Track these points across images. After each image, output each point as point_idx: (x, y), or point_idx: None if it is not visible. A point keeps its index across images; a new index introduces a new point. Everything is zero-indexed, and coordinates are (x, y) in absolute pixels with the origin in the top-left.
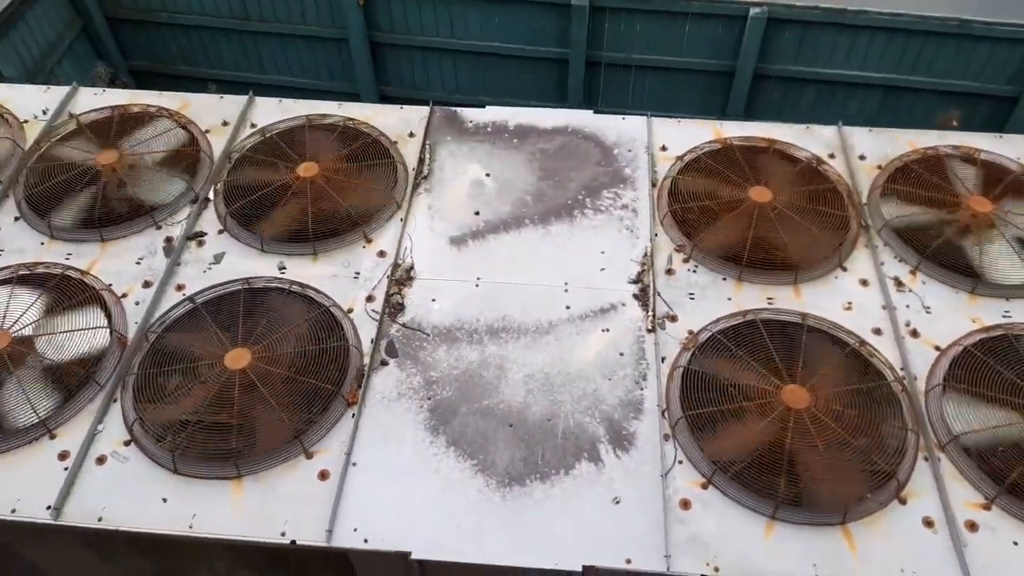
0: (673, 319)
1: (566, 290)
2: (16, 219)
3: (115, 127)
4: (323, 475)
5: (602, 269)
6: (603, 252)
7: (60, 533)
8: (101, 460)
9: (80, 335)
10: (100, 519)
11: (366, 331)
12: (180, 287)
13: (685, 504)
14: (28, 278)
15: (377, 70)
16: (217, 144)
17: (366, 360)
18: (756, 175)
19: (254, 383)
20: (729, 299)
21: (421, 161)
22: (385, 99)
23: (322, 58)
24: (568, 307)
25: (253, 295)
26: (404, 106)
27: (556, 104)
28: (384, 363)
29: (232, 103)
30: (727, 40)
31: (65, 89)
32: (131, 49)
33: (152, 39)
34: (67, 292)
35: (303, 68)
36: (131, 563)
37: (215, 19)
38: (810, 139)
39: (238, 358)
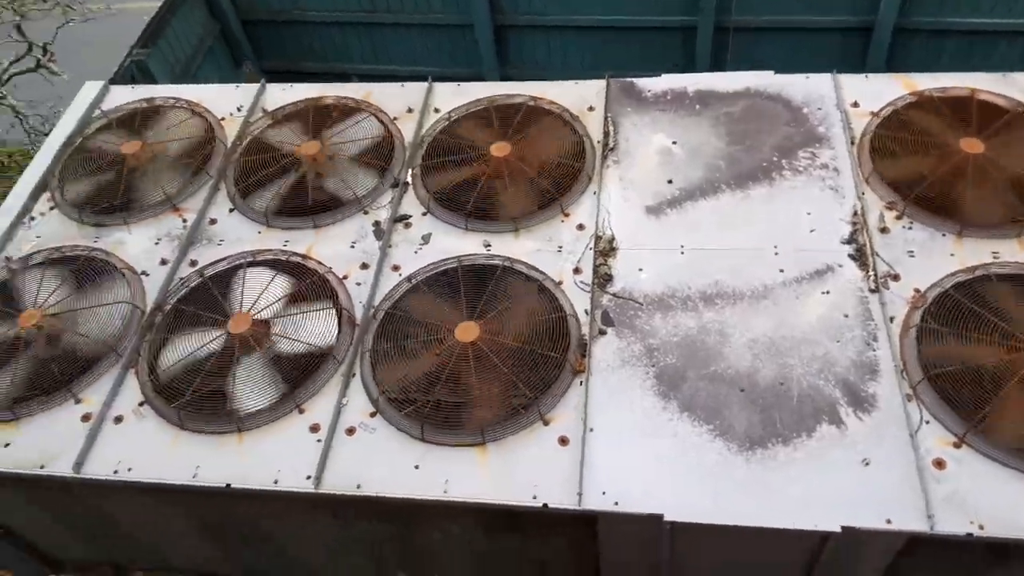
0: (895, 278)
1: (776, 253)
2: (231, 211)
3: (312, 119)
4: (563, 440)
5: (811, 231)
6: (809, 213)
7: (308, 503)
8: (351, 431)
9: (312, 315)
10: (359, 486)
11: (578, 302)
12: (396, 267)
13: (939, 464)
14: (256, 264)
15: (499, 53)
16: (406, 130)
17: (584, 330)
18: (963, 126)
19: (486, 354)
20: (952, 255)
21: (606, 134)
22: (508, 81)
23: (446, 45)
24: (782, 270)
25: (468, 272)
26: (579, 81)
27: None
28: (602, 332)
29: (413, 90)
30: None
31: (255, 87)
32: (263, 49)
33: (283, 38)
34: (295, 275)
35: (428, 56)
36: (368, 529)
37: (344, 14)
38: (1008, 87)
39: (468, 331)
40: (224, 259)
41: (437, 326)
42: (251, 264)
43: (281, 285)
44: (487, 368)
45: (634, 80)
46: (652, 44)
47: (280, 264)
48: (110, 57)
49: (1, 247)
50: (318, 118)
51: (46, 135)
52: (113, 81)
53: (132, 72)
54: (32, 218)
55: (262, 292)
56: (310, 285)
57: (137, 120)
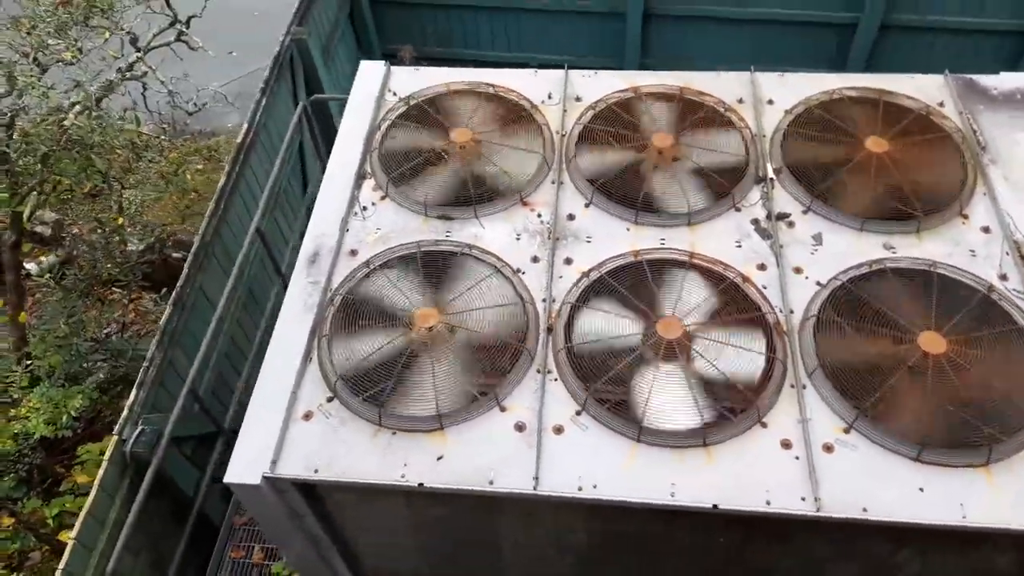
0: None
1: None
2: (587, 205)
3: (651, 109)
4: None
5: None
6: None
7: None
8: (828, 448)
9: (739, 321)
10: (865, 509)
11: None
12: (798, 269)
13: None
14: (658, 263)
15: (642, 43)
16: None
17: None
18: None
19: (964, 367)
20: None
21: (974, 131)
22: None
23: (585, 33)
24: None
25: (903, 278)
26: (915, 75)
27: (835, 71)
28: None
29: (733, 81)
30: None
31: (558, 73)
32: (387, 32)
33: (410, 22)
34: (706, 277)
35: (560, 44)
36: (808, 548)
37: None
38: None
39: (933, 342)
40: (617, 256)
41: (899, 337)
42: (651, 263)
43: (695, 287)
44: (971, 384)
45: (973, 77)
46: (806, 39)
47: (681, 264)
48: (232, 34)
49: (340, 240)
50: (657, 109)
51: (190, 113)
52: (275, 60)
53: (292, 51)
54: (364, 208)
55: (679, 294)
56: (727, 289)
57: (451, 105)
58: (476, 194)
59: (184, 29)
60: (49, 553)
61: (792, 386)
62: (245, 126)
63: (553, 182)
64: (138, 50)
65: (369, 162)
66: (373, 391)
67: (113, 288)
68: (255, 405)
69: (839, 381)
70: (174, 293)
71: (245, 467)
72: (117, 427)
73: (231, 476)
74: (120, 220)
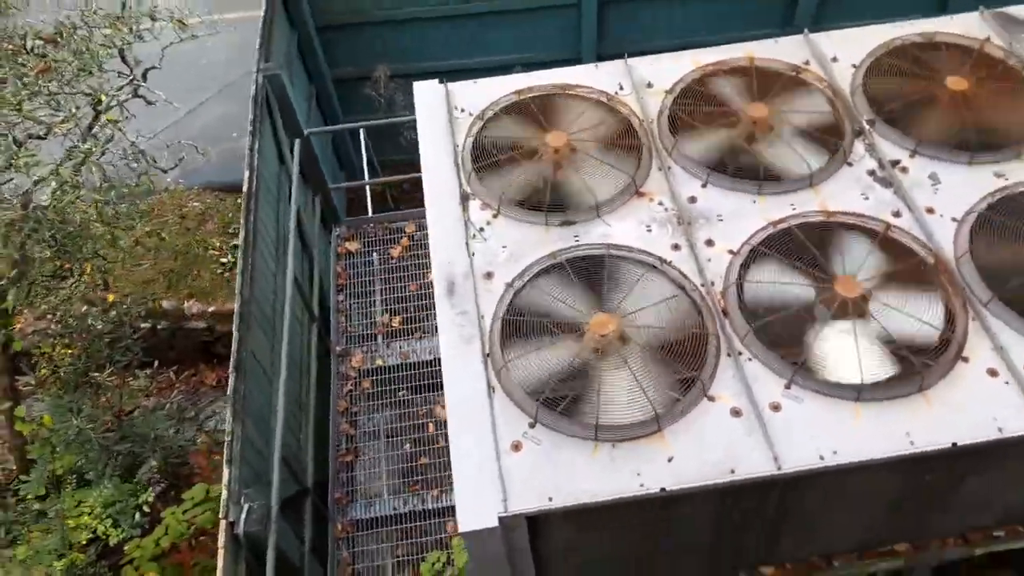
0: None
1: None
2: (703, 185)
3: (723, 86)
4: None
5: None
6: None
7: None
8: None
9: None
10: None
11: None
12: (930, 210)
13: None
14: (804, 227)
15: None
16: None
17: None
18: None
19: None
20: None
21: None
22: (601, 59)
23: (539, 29)
24: None
25: None
26: (953, 16)
27: (785, 30)
28: None
29: (791, 45)
30: None
31: (617, 64)
32: (336, 57)
33: (357, 42)
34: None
35: (515, 44)
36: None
37: (434, 8)
38: None
39: None
40: (760, 230)
41: None
42: (801, 228)
43: (847, 244)
44: None
45: (1004, 10)
46: (751, 4)
47: (826, 225)
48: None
49: (471, 266)
50: (735, 82)
51: (165, 171)
52: (255, 99)
53: (267, 88)
54: (481, 229)
55: (841, 253)
56: (883, 240)
57: (531, 112)
58: (596, 192)
59: (141, 83)
60: None
61: (974, 319)
62: (247, 172)
63: (660, 169)
64: (98, 114)
65: (469, 183)
66: (570, 406)
67: (95, 373)
68: (458, 450)
69: (1018, 304)
70: (232, 359)
71: (475, 513)
72: (222, 511)
73: (465, 525)
74: (111, 297)
